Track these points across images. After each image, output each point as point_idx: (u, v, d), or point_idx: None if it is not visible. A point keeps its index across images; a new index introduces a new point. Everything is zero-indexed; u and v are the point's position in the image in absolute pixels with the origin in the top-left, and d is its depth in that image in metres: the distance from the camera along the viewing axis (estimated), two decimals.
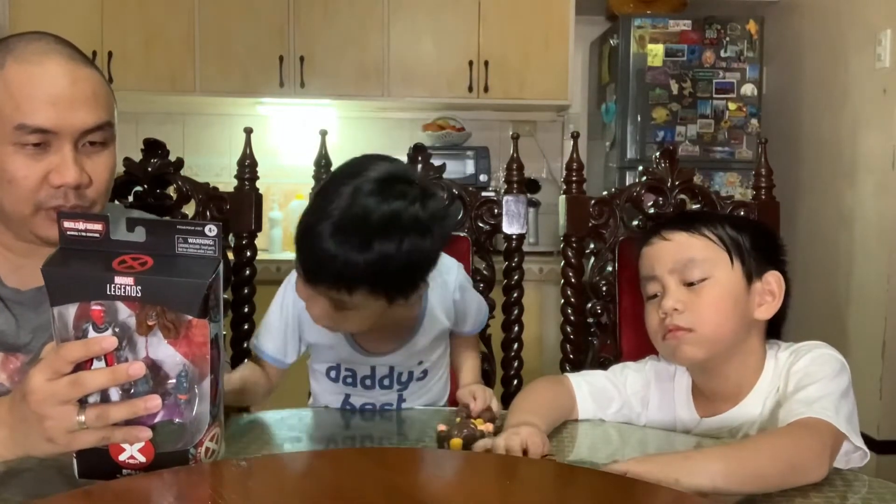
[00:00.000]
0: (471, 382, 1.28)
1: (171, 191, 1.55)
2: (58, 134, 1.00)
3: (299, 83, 3.16)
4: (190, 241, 0.77)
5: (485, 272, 1.58)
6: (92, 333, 0.74)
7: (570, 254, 1.54)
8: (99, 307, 0.74)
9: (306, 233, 0.93)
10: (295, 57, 3.16)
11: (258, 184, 1.58)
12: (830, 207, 3.11)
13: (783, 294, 1.03)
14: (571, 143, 1.61)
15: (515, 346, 1.59)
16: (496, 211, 1.58)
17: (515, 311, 1.59)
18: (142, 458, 0.76)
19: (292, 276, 1.10)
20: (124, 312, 0.74)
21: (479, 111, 3.49)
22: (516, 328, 1.59)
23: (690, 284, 1.02)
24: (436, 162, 1.59)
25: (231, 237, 1.56)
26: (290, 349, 1.19)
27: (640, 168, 1.61)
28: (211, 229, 0.77)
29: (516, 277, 1.59)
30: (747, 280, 1.02)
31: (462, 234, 1.58)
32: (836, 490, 0.85)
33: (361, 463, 0.82)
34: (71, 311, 0.74)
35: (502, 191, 1.61)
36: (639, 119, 3.16)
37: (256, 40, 3.14)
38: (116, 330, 0.74)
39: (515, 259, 1.59)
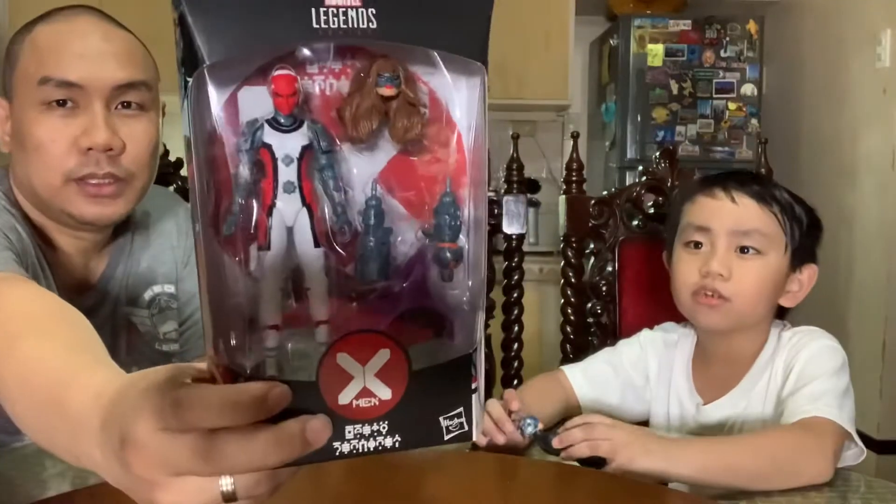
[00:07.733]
0: None
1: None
2: (85, 89, 0.92)
3: None
4: None
5: None
6: (269, 134, 0.40)
7: (570, 254, 1.54)
8: (284, 71, 0.39)
9: None
10: None
11: None
12: (830, 207, 3.11)
13: (810, 288, 1.04)
14: (571, 143, 1.61)
15: (515, 346, 1.60)
16: (496, 211, 1.58)
17: (515, 311, 1.59)
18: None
19: None
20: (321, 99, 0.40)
21: None
22: (516, 328, 1.60)
23: (744, 251, 0.99)
24: None
25: None
26: None
27: (640, 168, 1.61)
28: None
29: (516, 277, 1.59)
30: (791, 268, 1.02)
31: None
32: (837, 490, 0.85)
33: (361, 463, 0.82)
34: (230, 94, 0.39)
35: (502, 191, 1.61)
36: (639, 119, 3.16)
37: None
38: (310, 136, 0.40)
39: (515, 259, 1.59)
